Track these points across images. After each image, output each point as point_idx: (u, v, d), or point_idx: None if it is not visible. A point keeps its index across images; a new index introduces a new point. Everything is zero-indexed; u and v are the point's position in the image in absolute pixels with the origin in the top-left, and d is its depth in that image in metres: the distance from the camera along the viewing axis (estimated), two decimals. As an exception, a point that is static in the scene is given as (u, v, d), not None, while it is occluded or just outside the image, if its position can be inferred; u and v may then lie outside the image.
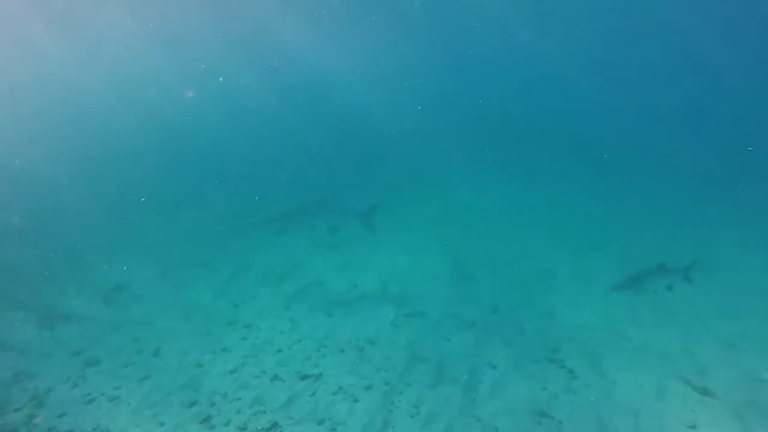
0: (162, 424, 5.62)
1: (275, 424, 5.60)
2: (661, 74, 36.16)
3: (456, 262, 11.17)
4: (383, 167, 20.66)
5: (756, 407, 6.09)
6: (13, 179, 14.66)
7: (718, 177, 20.31)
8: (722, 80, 35.16)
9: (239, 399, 6.11)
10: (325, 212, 12.73)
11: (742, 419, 5.88)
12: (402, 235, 12.96)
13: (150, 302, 8.94)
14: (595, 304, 9.11)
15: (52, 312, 8.28)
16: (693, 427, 5.75)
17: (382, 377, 6.67)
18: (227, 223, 13.44)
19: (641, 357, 7.25)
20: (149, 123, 21.16)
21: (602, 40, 32.07)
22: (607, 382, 6.57)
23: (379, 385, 6.49)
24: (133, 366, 6.82)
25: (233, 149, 20.71)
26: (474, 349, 7.50)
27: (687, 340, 7.70)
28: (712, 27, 29.31)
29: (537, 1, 24.33)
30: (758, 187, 18.61)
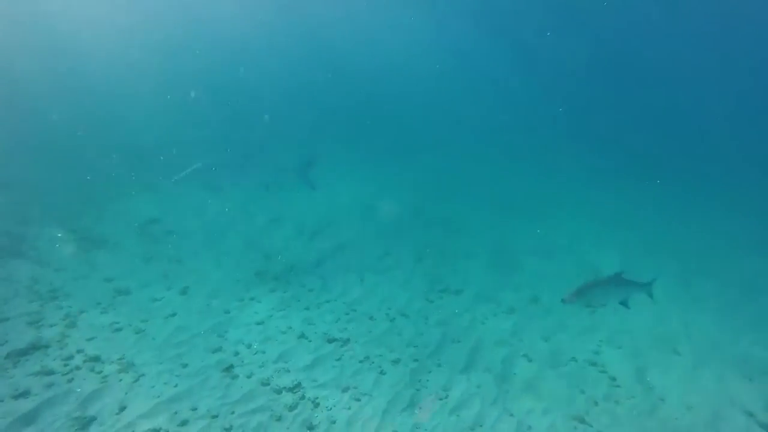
0: (185, 366, 5.48)
1: (298, 385, 5.38)
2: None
3: (498, 244, 10.61)
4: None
5: None
6: (65, 102, 14.69)
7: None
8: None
9: (264, 353, 5.90)
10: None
11: None
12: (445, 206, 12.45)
13: (182, 240, 8.83)
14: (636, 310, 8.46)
15: (89, 235, 8.27)
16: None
17: (412, 353, 6.34)
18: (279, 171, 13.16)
19: (691, 375, 6.66)
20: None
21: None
22: (653, 396, 6.05)
23: (407, 360, 6.17)
24: (161, 302, 6.71)
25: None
26: (510, 338, 7.06)
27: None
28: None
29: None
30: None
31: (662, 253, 11.19)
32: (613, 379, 6.30)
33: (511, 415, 5.40)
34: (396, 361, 6.11)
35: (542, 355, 6.68)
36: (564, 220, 12.92)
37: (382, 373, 5.86)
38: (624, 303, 6.02)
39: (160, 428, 4.53)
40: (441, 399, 5.57)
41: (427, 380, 5.86)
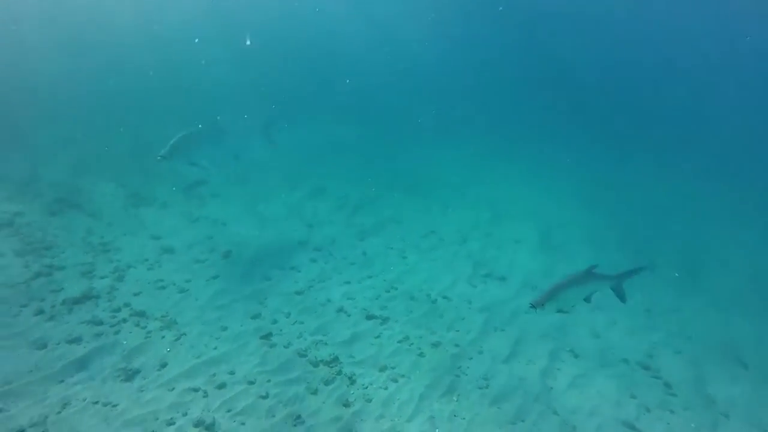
0: (224, 329, 5.49)
1: (335, 359, 5.28)
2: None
3: (546, 232, 10.09)
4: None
5: None
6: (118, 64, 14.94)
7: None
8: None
9: (302, 323, 5.84)
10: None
11: None
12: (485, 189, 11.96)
13: (226, 204, 8.89)
14: (699, 313, 7.82)
15: (139, 192, 8.45)
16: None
17: (453, 337, 6.10)
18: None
19: (759, 391, 6.07)
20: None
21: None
22: (715, 410, 5.56)
23: (448, 344, 5.94)
24: (204, 264, 6.76)
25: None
26: (556, 332, 6.68)
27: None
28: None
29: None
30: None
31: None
32: (669, 386, 5.84)
33: (555, 413, 5.09)
34: (436, 345, 5.89)
35: (590, 353, 6.28)
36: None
37: (421, 355, 5.66)
38: (587, 299, 5.11)
39: (199, 388, 4.54)
40: (481, 388, 5.33)
41: (468, 367, 5.62)
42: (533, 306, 4.48)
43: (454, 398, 5.08)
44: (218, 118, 6.99)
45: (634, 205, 12.91)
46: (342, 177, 11.11)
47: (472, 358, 5.82)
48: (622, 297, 5.32)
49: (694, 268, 9.54)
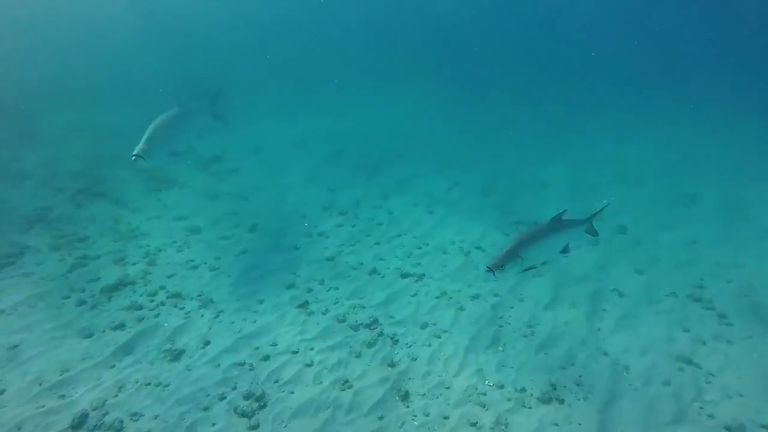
0: (261, 302, 5.47)
1: (375, 321, 5.22)
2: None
3: (574, 173, 9.67)
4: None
5: None
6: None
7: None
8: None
9: (337, 289, 5.77)
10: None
11: None
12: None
13: (245, 177, 8.76)
14: (749, 242, 7.43)
15: (157, 175, 8.39)
16: None
17: (491, 288, 5.96)
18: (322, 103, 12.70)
19: (819, 312, 5.77)
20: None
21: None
22: (773, 336, 5.31)
23: (487, 295, 5.81)
24: (231, 240, 6.71)
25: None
26: (597, 272, 6.46)
27: None
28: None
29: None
30: None
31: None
32: (723, 316, 5.59)
33: (605, 353, 4.95)
34: (475, 297, 5.77)
35: (635, 290, 6.05)
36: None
37: (461, 309, 5.56)
38: (564, 251, 4.59)
39: (244, 362, 4.57)
40: (526, 336, 5.21)
41: (510, 317, 5.50)
42: (490, 269, 3.81)
43: (500, 348, 4.99)
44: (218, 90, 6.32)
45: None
46: (356, 138, 10.83)
47: (513, 307, 5.69)
48: (594, 233, 4.93)
49: (738, 200, 9.02)
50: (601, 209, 4.83)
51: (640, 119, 13.56)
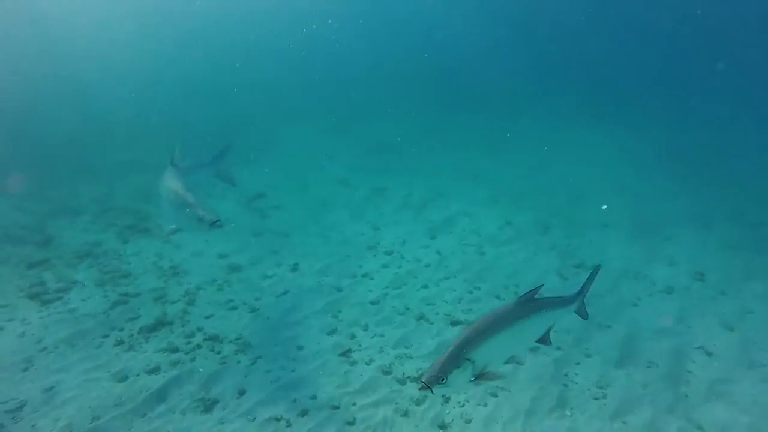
0: (300, 348, 5.11)
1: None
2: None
3: (635, 210, 8.93)
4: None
5: None
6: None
7: None
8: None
9: (382, 336, 5.33)
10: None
11: None
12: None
13: (288, 214, 8.64)
14: None
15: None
16: None
17: (552, 339, 5.30)
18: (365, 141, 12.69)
19: None
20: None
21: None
22: None
23: (547, 348, 5.15)
24: (273, 279, 6.47)
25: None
26: (676, 326, 5.67)
27: None
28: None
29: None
30: None
31: None
32: (841, 384, 4.67)
33: (700, 428, 4.17)
34: (534, 350, 5.15)
35: (727, 349, 5.22)
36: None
37: (518, 363, 4.96)
38: (544, 340, 3.43)
39: (281, 417, 4.17)
40: (597, 399, 4.53)
41: (576, 374, 4.84)
42: (425, 386, 2.72)
43: (567, 413, 4.34)
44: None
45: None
46: (400, 173, 10.61)
47: (579, 363, 5.03)
48: (584, 315, 3.96)
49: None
50: (593, 276, 3.77)
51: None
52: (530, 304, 3.26)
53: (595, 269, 3.87)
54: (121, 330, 5.25)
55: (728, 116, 16.04)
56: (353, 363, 4.89)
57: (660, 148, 12.88)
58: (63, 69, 13.41)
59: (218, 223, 4.29)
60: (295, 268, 6.76)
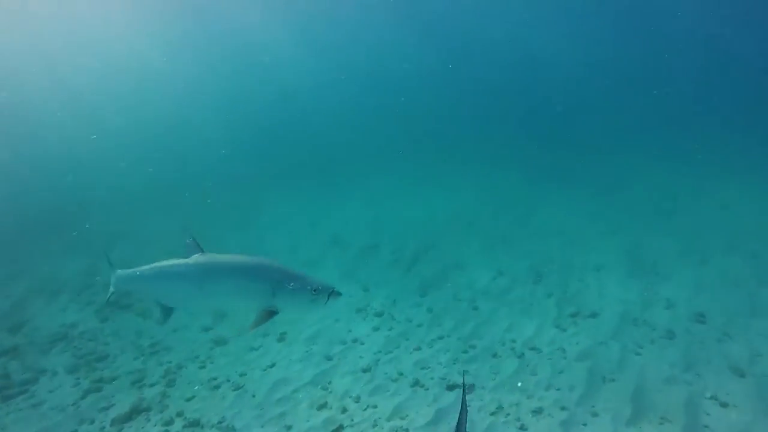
0: (289, 428, 4.74)
1: (422, 450, 4.35)
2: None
3: (631, 251, 8.83)
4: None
5: None
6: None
7: None
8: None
9: (375, 407, 4.98)
10: None
11: None
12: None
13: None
14: None
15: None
16: None
17: (555, 398, 5.00)
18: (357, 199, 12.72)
19: None
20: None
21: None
22: None
23: (551, 408, 4.85)
24: (258, 351, 6.16)
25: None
26: (684, 373, 5.39)
27: None
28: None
29: None
30: None
31: None
32: None
33: (726, 492, 3.82)
34: (537, 411, 4.82)
35: (742, 398, 4.92)
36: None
37: (522, 428, 4.61)
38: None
39: None
40: (611, 466, 4.16)
41: (586, 438, 4.49)
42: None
43: (581, 485, 3.96)
44: None
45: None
46: (391, 228, 10.53)
47: (586, 424, 4.68)
48: None
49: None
50: (463, 399, 2.55)
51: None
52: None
53: (463, 388, 2.85)
54: (92, 423, 4.85)
55: (710, 147, 16.36)
56: (345, 442, 4.52)
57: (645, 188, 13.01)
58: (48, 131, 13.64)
59: (335, 292, 3.51)
60: (282, 337, 6.45)
